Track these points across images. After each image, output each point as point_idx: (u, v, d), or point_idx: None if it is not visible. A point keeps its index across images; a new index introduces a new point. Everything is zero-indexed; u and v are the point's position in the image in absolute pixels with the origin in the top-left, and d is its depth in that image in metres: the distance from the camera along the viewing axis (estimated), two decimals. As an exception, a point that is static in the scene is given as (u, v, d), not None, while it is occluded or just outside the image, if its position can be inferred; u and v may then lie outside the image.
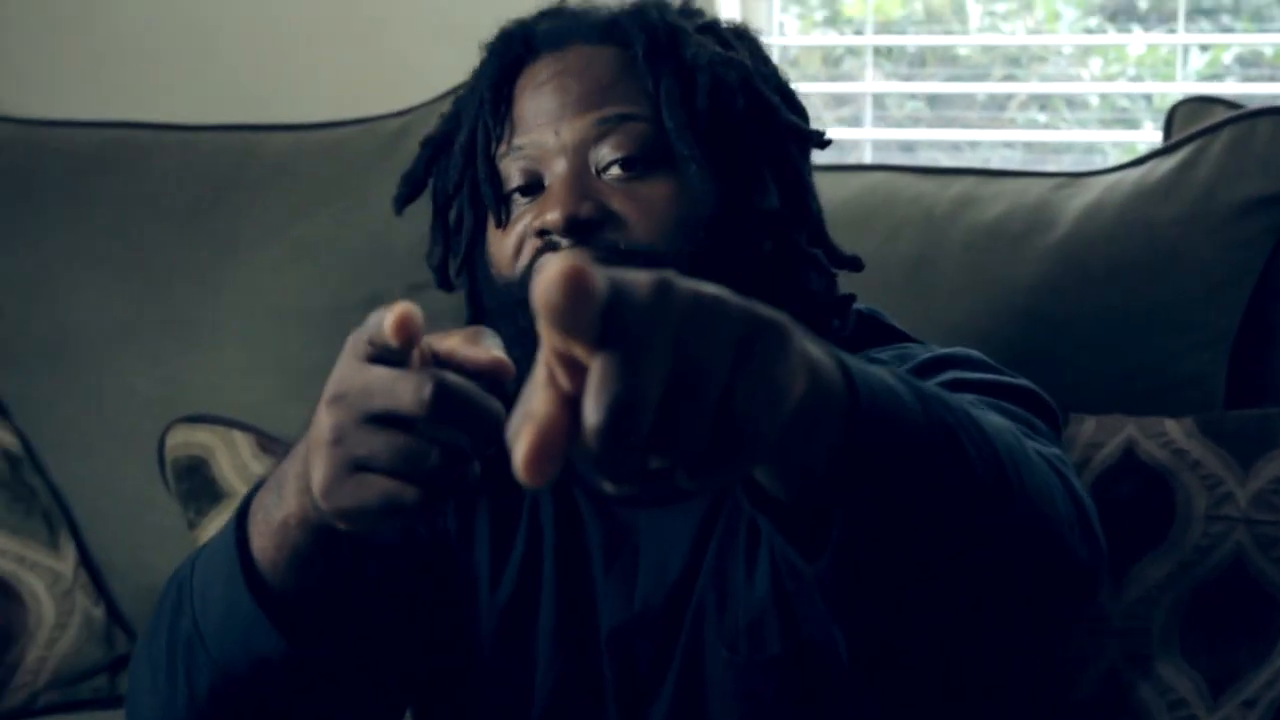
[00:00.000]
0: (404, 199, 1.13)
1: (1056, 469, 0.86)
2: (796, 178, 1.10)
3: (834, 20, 2.20)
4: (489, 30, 1.95)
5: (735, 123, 1.06)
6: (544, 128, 1.05)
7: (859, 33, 2.16)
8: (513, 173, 1.06)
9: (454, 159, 1.10)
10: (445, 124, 1.12)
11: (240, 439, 1.69)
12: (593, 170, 1.04)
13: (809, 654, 1.01)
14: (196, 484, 1.68)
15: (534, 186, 1.05)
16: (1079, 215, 1.56)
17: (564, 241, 1.01)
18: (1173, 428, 1.43)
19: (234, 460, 1.68)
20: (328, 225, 1.82)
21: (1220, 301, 1.51)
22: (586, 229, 1.01)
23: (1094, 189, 1.59)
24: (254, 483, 1.66)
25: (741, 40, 1.12)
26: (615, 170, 1.03)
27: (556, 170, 1.04)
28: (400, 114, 1.88)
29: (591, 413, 0.54)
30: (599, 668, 1.06)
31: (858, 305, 1.15)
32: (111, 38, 2.08)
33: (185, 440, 1.71)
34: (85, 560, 1.82)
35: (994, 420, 0.83)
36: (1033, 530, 0.81)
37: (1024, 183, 1.63)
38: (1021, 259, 1.56)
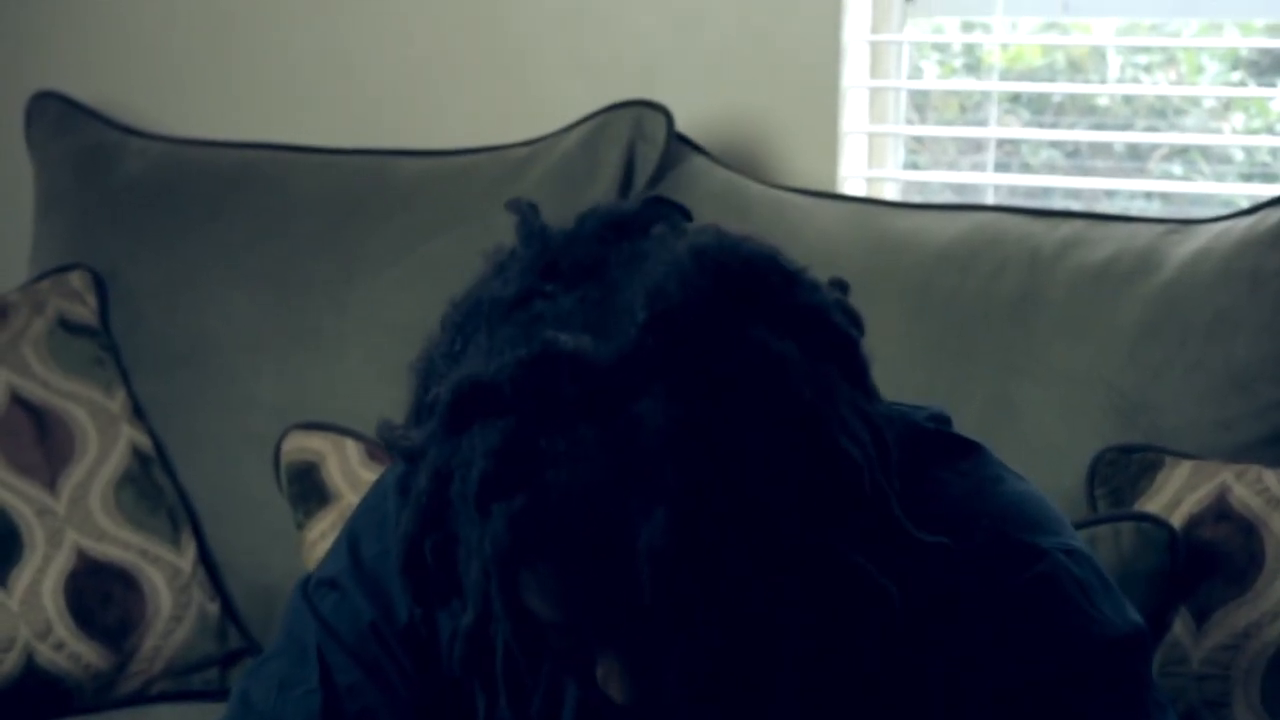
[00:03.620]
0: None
1: None
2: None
3: (975, 68, 2.21)
4: (618, 65, 2.02)
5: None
6: None
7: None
8: None
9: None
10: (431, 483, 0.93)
11: (351, 446, 1.75)
12: None
13: None
14: (306, 487, 1.75)
15: None
16: (1185, 261, 1.56)
17: None
18: (1270, 477, 1.41)
19: (343, 466, 1.74)
20: (451, 247, 1.88)
21: (1324, 353, 1.50)
22: None
23: (1203, 236, 1.58)
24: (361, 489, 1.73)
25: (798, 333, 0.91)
26: None
27: None
28: (526, 143, 1.94)
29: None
30: None
31: (929, 413, 1.04)
32: (255, 63, 2.17)
33: (300, 445, 1.77)
34: (204, 557, 1.88)
35: None
36: None
37: (1133, 227, 1.63)
38: (1125, 302, 1.56)
